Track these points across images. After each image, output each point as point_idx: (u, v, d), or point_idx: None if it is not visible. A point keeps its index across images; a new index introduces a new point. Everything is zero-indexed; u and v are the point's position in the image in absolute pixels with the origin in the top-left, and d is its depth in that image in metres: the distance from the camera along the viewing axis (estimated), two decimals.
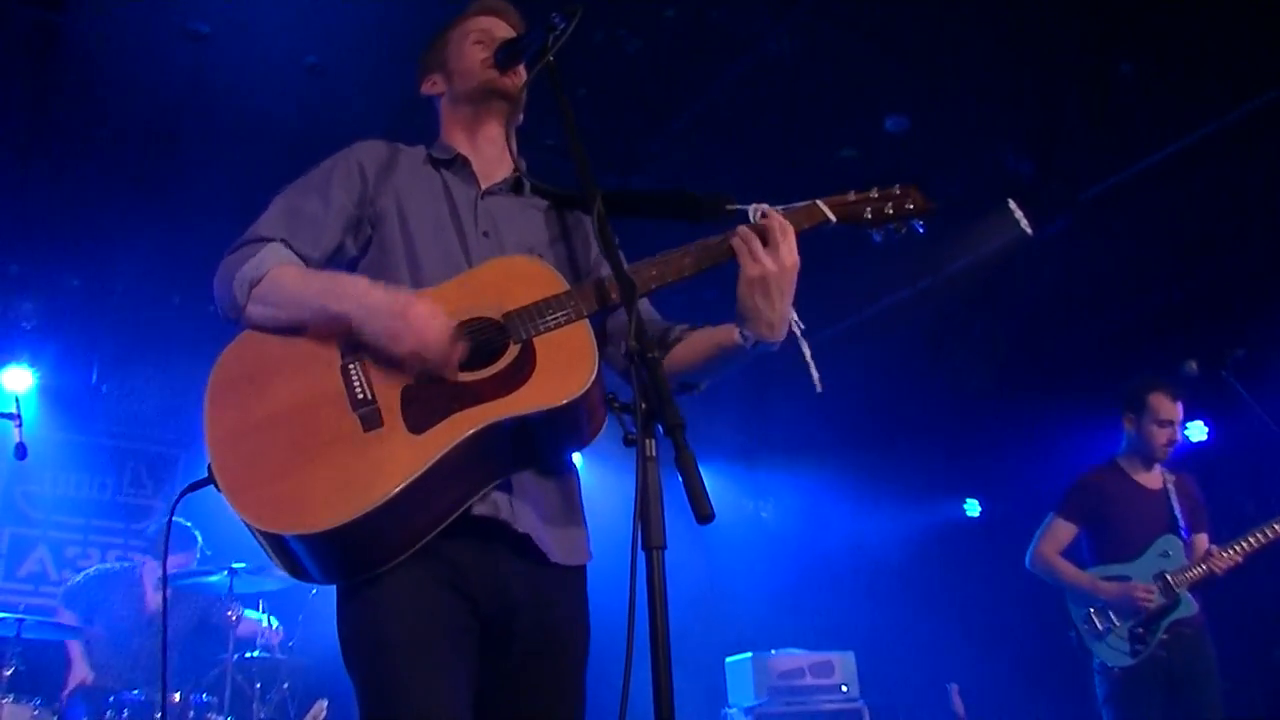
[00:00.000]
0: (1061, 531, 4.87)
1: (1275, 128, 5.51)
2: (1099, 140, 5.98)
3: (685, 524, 1.52)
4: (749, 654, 6.71)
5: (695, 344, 2.20)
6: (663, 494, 1.53)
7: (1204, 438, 6.74)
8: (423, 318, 1.88)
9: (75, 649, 5.67)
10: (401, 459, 1.81)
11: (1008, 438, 7.49)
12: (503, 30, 2.35)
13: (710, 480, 1.46)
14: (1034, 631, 6.34)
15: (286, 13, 4.95)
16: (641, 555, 1.49)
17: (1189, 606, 4.52)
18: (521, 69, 2.30)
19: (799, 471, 9.13)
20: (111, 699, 5.20)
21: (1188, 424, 6.74)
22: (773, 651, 6.72)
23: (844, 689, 6.63)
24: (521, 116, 2.40)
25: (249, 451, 1.87)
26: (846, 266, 6.84)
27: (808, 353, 2.11)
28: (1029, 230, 6.34)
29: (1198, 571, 4.52)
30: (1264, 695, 6.00)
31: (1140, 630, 4.52)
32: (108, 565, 6.77)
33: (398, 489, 1.78)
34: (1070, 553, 4.89)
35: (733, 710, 6.71)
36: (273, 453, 1.86)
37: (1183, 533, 4.64)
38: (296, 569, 1.90)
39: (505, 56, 2.28)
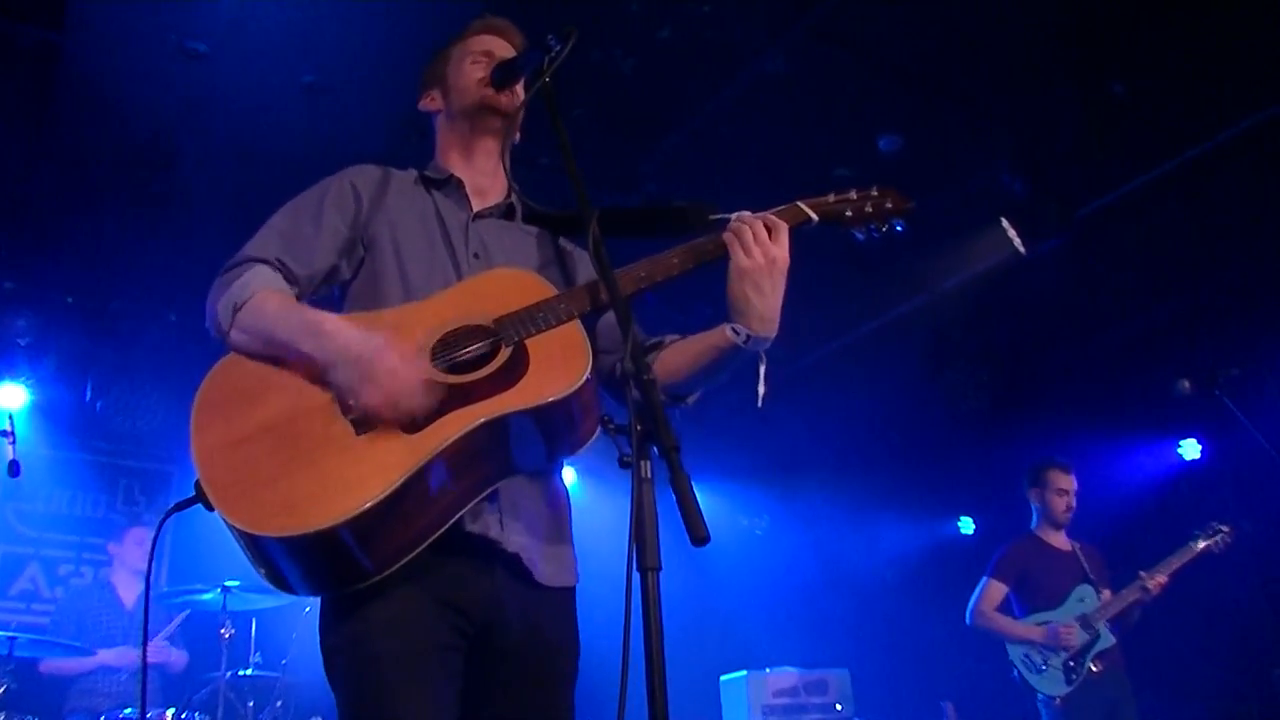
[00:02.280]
0: (995, 591, 5.63)
1: (1268, 147, 5.54)
2: (1092, 159, 6.01)
3: (679, 542, 1.52)
4: (744, 672, 6.70)
5: (687, 349, 2.21)
6: (658, 515, 1.53)
7: (1197, 456, 6.77)
8: (389, 376, 1.84)
9: (77, 662, 5.70)
10: (396, 457, 1.80)
11: (1002, 455, 7.48)
12: (504, 50, 2.35)
13: (704, 497, 1.46)
14: None
15: (284, 32, 4.97)
16: (636, 576, 1.49)
17: (1108, 639, 5.28)
18: (518, 89, 2.31)
19: (793, 489, 9.12)
20: (103, 718, 5.18)
21: (1180, 442, 6.79)
22: (767, 670, 6.71)
23: (838, 707, 6.63)
24: (518, 136, 2.41)
25: (238, 461, 1.85)
26: (841, 285, 6.87)
27: (761, 368, 2.13)
28: (1022, 249, 6.41)
29: (1113, 609, 5.30)
30: (1261, 716, 5.99)
31: (1071, 663, 5.25)
32: (80, 581, 6.83)
33: (393, 486, 1.76)
34: (1003, 609, 5.62)
35: None
36: (262, 460, 1.85)
37: (1094, 583, 5.43)
38: (280, 578, 1.87)
39: (502, 76, 2.28)
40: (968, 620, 5.64)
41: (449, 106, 2.39)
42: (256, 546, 1.81)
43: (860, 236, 2.30)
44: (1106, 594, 5.37)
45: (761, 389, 2.13)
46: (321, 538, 1.76)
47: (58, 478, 7.60)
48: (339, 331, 1.93)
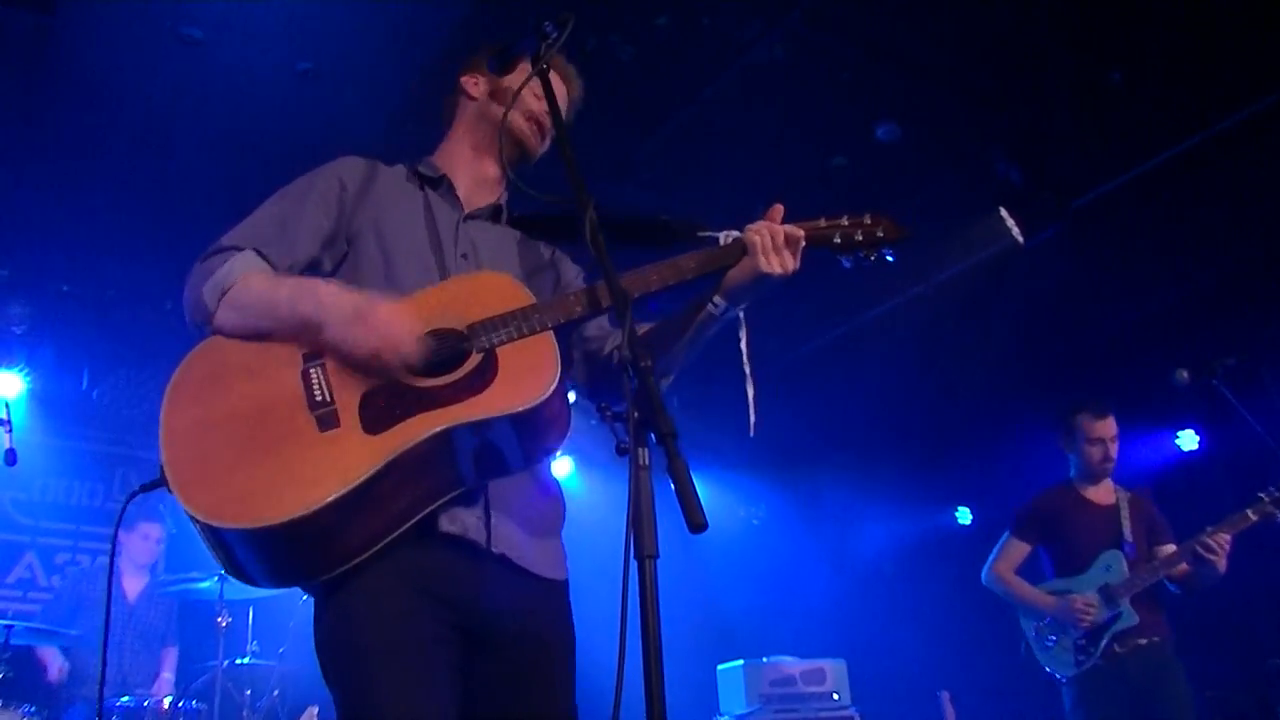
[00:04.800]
0: (1015, 550, 5.06)
1: (1266, 135, 5.53)
2: (1089, 148, 6.00)
3: (677, 531, 1.52)
4: (741, 661, 6.70)
5: (667, 329, 2.23)
6: (655, 502, 1.52)
7: (1195, 446, 6.77)
8: (385, 322, 1.88)
9: (48, 654, 5.73)
10: (355, 458, 1.80)
11: (999, 446, 7.50)
12: (561, 97, 2.34)
13: (702, 487, 1.46)
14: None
15: (279, 18, 4.94)
16: (634, 564, 1.48)
17: (1130, 618, 4.63)
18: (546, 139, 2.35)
19: (791, 479, 9.12)
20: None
21: (1178, 433, 6.78)
22: (764, 659, 6.71)
23: (836, 696, 6.62)
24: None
25: (201, 449, 1.86)
26: (838, 275, 6.85)
27: (751, 394, 2.15)
28: (1020, 238, 6.39)
29: (1140, 581, 4.65)
30: (1257, 705, 6.01)
31: (1083, 642, 4.67)
32: (82, 566, 6.83)
33: (350, 486, 1.77)
34: (1030, 569, 5.05)
35: (724, 718, 6.69)
36: (224, 450, 1.85)
37: (1127, 548, 4.79)
38: (238, 569, 1.88)
39: (500, 64, 2.29)
40: (982, 578, 5.11)
41: (489, 104, 2.38)
42: (211, 534, 1.81)
43: (847, 264, 2.29)
44: (1168, 549, 4.75)
45: (753, 418, 2.17)
46: (274, 532, 1.75)
47: (54, 466, 7.60)
48: (337, 292, 1.96)
